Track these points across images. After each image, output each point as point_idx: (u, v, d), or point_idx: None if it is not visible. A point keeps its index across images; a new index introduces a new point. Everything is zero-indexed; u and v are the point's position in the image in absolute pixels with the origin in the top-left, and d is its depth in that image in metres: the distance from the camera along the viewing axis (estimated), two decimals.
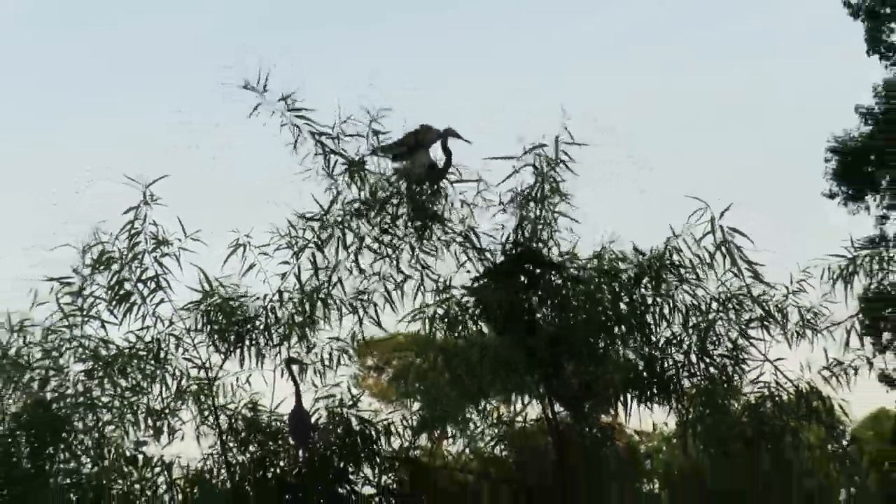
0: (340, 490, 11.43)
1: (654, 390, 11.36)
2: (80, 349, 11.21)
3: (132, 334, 11.29)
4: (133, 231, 11.20)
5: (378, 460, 11.53)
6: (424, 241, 11.46)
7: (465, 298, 11.55)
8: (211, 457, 11.35)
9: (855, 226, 26.36)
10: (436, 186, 11.39)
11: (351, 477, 11.52)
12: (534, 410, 11.92)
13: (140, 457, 11.12)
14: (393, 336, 12.66)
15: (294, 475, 11.38)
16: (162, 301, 11.32)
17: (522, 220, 11.48)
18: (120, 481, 11.04)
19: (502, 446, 12.27)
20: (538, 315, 11.53)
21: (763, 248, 10.96)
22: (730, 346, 11.31)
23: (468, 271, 11.53)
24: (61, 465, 10.97)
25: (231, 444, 11.39)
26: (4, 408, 11.09)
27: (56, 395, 11.12)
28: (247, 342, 11.34)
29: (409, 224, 11.43)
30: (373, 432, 11.58)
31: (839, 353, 11.22)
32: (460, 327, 11.64)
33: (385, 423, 11.72)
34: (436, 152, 11.34)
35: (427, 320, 11.60)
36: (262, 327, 11.34)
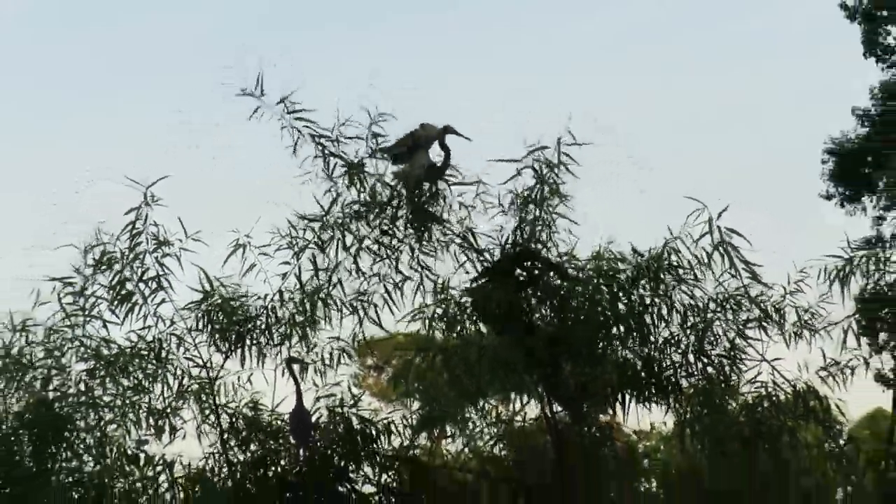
0: (341, 489, 11.48)
1: (652, 390, 11.40)
2: (82, 348, 11.27)
3: (134, 334, 11.36)
4: (134, 231, 11.23)
5: (378, 459, 11.59)
6: (424, 242, 11.50)
7: (464, 298, 11.59)
8: (212, 455, 11.40)
9: (852, 227, 26.43)
10: (435, 187, 11.42)
11: (351, 476, 11.58)
12: (532, 410, 11.99)
13: (142, 455, 11.20)
14: (393, 336, 12.69)
15: (295, 474, 11.44)
16: (163, 301, 11.38)
17: (522, 221, 11.51)
18: (122, 480, 11.10)
19: (501, 445, 12.31)
20: (536, 315, 11.57)
21: (762, 249, 11.01)
22: (727, 346, 11.34)
23: (467, 272, 11.59)
24: (63, 464, 11.02)
25: (232, 443, 11.45)
26: (7, 407, 11.16)
27: (58, 394, 11.18)
28: (248, 342, 11.37)
29: (409, 225, 11.47)
30: (373, 431, 11.64)
31: (836, 354, 11.28)
32: (458, 327, 11.68)
33: (385, 422, 11.78)
34: (435, 151, 11.36)
35: (426, 320, 11.65)
36: (262, 327, 11.37)
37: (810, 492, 11.49)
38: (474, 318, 11.65)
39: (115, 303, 11.30)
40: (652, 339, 11.40)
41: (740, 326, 11.32)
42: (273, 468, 11.53)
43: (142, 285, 11.31)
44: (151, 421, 11.25)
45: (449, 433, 12.30)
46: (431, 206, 11.50)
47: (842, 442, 11.71)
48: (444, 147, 11.28)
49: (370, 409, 11.98)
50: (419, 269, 11.55)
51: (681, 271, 11.22)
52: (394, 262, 11.51)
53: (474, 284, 11.51)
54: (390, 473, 11.75)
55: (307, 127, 11.22)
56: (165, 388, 11.35)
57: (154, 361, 11.33)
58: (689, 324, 11.36)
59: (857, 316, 11.28)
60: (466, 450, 12.36)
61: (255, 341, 11.39)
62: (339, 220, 11.35)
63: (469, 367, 11.48)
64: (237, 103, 11.09)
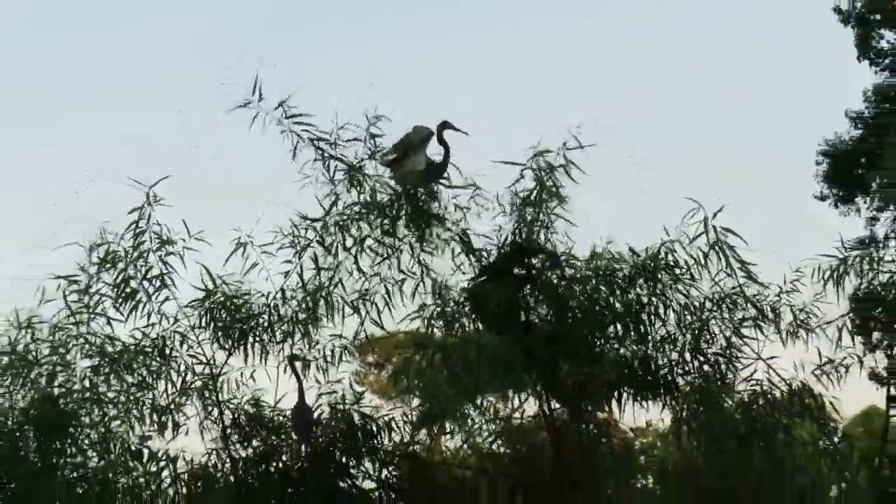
0: (342, 484, 11.57)
1: (649, 388, 11.51)
2: (87, 346, 11.33)
3: (138, 331, 11.43)
4: (138, 230, 11.31)
5: (379, 455, 11.68)
6: (424, 242, 11.60)
7: (462, 297, 11.69)
8: (215, 451, 11.48)
9: (846, 227, 26.55)
10: (435, 184, 11.51)
11: (352, 471, 11.67)
12: (530, 407, 12.06)
13: (145, 451, 11.23)
14: (393, 334, 12.79)
15: (297, 469, 11.53)
16: (167, 299, 11.45)
17: (520, 221, 11.61)
18: (125, 476, 11.15)
19: (500, 442, 12.39)
20: (534, 314, 11.66)
21: (761, 248, 11.09)
22: (724, 344, 11.44)
23: (464, 273, 11.69)
24: (68, 460, 11.08)
25: (235, 439, 11.54)
26: (13, 403, 11.23)
27: (63, 390, 11.23)
28: (250, 339, 11.47)
29: (409, 225, 11.56)
30: (373, 428, 11.72)
31: (831, 352, 11.39)
32: (457, 325, 11.78)
33: (385, 418, 11.86)
34: (434, 148, 11.44)
35: (426, 319, 11.75)
36: (265, 324, 11.47)
37: (805, 489, 11.56)
38: (473, 316, 11.73)
39: (120, 300, 11.37)
40: (649, 337, 11.49)
41: (736, 325, 11.40)
42: (275, 464, 11.61)
43: (146, 283, 11.38)
44: (155, 417, 11.30)
45: (448, 430, 12.37)
46: (430, 205, 11.59)
47: (836, 439, 11.79)
48: (442, 143, 11.34)
49: (371, 406, 12.08)
50: (419, 268, 11.64)
51: (677, 271, 11.31)
52: (395, 262, 11.59)
53: (472, 284, 11.59)
54: (390, 469, 11.84)
55: (306, 131, 11.33)
56: (169, 385, 11.43)
57: (158, 358, 11.40)
58: (685, 322, 11.45)
59: (851, 315, 11.39)
60: (465, 446, 12.43)
61: (257, 338, 11.48)
62: (340, 221, 11.44)
63: (468, 364, 11.54)
64: (237, 104, 11.23)
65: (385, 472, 11.79)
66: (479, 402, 12.23)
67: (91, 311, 11.37)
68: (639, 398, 11.55)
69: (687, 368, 11.52)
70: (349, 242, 11.44)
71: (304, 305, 11.44)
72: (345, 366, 11.84)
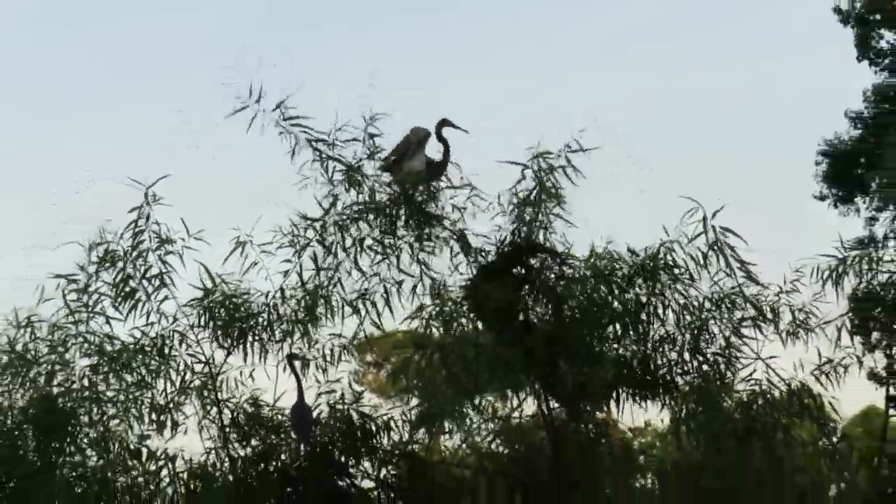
0: (340, 483, 11.58)
1: (648, 388, 11.52)
2: (86, 345, 11.34)
3: (137, 330, 11.43)
4: (137, 230, 11.30)
5: (378, 454, 11.69)
6: (422, 242, 11.60)
7: (461, 297, 11.69)
8: (214, 450, 11.48)
9: (845, 227, 26.56)
10: (437, 182, 11.51)
11: (351, 471, 11.68)
12: (529, 406, 12.08)
13: (144, 450, 11.24)
14: (392, 334, 12.80)
15: (295, 468, 11.53)
16: (166, 298, 11.45)
17: (519, 221, 11.61)
18: (124, 475, 11.15)
19: (498, 441, 12.40)
20: (533, 313, 11.67)
21: (762, 249, 11.10)
22: (723, 344, 11.45)
23: (461, 273, 11.69)
24: (67, 459, 11.07)
25: (234, 438, 11.54)
26: (12, 402, 11.23)
27: (62, 389, 11.24)
28: (250, 338, 11.47)
29: (407, 225, 11.56)
30: (372, 427, 11.74)
31: (830, 352, 11.40)
32: (455, 324, 11.79)
33: (384, 418, 11.88)
34: (434, 146, 11.43)
35: (425, 319, 11.76)
36: (264, 323, 11.47)
37: (804, 489, 11.57)
38: (471, 316, 11.74)
39: (119, 299, 11.37)
40: (648, 337, 11.50)
41: (735, 325, 11.41)
42: (274, 463, 11.62)
43: (145, 282, 11.38)
44: (154, 416, 11.32)
45: (447, 429, 12.37)
46: (429, 205, 11.59)
47: (835, 439, 11.83)
48: (442, 140, 11.34)
49: (370, 406, 12.09)
50: (419, 268, 11.64)
51: (676, 271, 11.32)
52: (394, 262, 11.60)
53: (471, 283, 11.60)
54: (389, 468, 11.85)
55: (304, 132, 11.34)
56: (168, 384, 11.44)
57: (157, 357, 11.40)
58: (684, 322, 11.45)
59: (850, 315, 11.40)
60: (464, 446, 12.44)
61: (256, 337, 11.48)
62: (339, 221, 11.44)
63: (466, 364, 11.55)
64: (237, 104, 11.24)
65: (384, 471, 11.82)
66: (477, 401, 12.21)
67: (90, 310, 11.37)
68: (638, 398, 11.56)
69: (686, 368, 11.53)
70: (348, 242, 11.43)
71: (303, 305, 11.44)
72: (344, 365, 11.88)
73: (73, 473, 11.08)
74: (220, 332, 11.50)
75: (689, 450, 11.71)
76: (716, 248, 11.10)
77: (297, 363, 11.37)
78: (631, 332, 11.47)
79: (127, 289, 11.37)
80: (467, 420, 12.26)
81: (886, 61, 26.89)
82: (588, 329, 11.48)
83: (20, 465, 10.99)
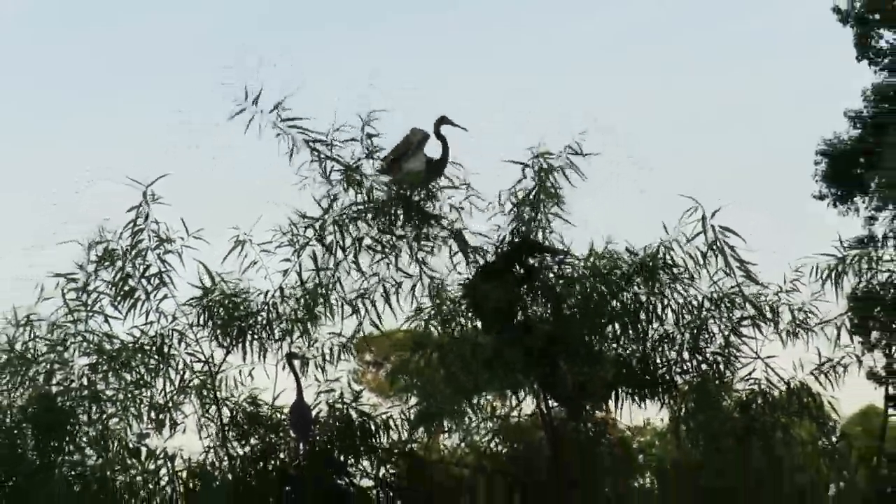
0: (339, 482, 11.57)
1: (648, 387, 11.53)
2: (85, 343, 11.35)
3: (136, 329, 11.44)
4: (136, 229, 11.31)
5: (379, 453, 11.69)
6: (421, 241, 11.60)
7: (460, 296, 11.69)
8: (213, 449, 11.48)
9: (845, 226, 26.55)
10: (436, 181, 11.51)
11: (350, 470, 11.68)
12: (528, 406, 12.07)
13: (143, 449, 11.25)
14: (391, 333, 12.80)
15: (294, 467, 11.52)
16: (165, 297, 11.45)
17: (518, 221, 11.62)
18: (123, 473, 11.17)
19: (497, 440, 12.39)
20: (532, 313, 11.67)
21: (762, 249, 11.11)
22: (722, 343, 11.46)
23: (460, 273, 11.69)
24: (66, 457, 11.09)
25: (232, 437, 11.54)
26: (11, 401, 11.24)
27: (61, 388, 11.26)
28: (249, 337, 11.47)
29: (405, 225, 11.57)
30: (371, 426, 11.73)
31: (829, 351, 11.41)
32: (453, 323, 11.79)
33: (383, 417, 11.87)
34: (432, 147, 11.43)
35: (423, 318, 11.76)
36: (264, 322, 11.46)
37: (804, 488, 11.58)
38: (470, 315, 11.74)
39: (118, 298, 11.38)
40: (647, 336, 11.51)
41: (734, 324, 11.42)
42: (273, 462, 11.61)
43: (144, 281, 11.38)
44: (153, 415, 11.33)
45: (446, 428, 12.37)
46: (427, 205, 11.60)
47: (834, 439, 11.82)
48: (440, 138, 11.34)
49: (369, 405, 12.07)
50: (418, 267, 11.64)
51: (675, 270, 11.32)
52: (393, 261, 11.59)
53: (470, 282, 11.59)
54: (388, 467, 11.85)
55: (302, 133, 11.35)
56: (167, 383, 11.45)
57: (156, 356, 11.41)
58: (683, 322, 11.46)
59: (849, 314, 11.41)
60: (463, 445, 12.44)
61: (256, 336, 11.48)
62: (338, 220, 11.43)
63: (465, 363, 11.56)
64: (235, 110, 11.28)
65: (383, 470, 11.81)
66: (476, 400, 12.20)
67: (89, 309, 11.38)
68: (637, 397, 11.56)
69: (685, 367, 11.54)
70: (347, 241, 11.43)
71: (302, 304, 11.43)
72: (343, 364, 11.87)
73: (73, 472, 11.11)
74: (219, 331, 11.49)
75: (688, 449, 11.73)
76: (715, 247, 11.10)
77: (297, 362, 11.37)
78: (630, 332, 11.47)
79: (126, 288, 11.37)
80: (466, 419, 12.23)
81: (886, 61, 26.89)
82: (587, 328, 11.47)
83: (19, 464, 11.01)
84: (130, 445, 11.26)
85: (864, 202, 27.06)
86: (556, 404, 11.81)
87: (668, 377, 11.55)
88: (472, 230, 11.68)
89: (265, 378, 11.60)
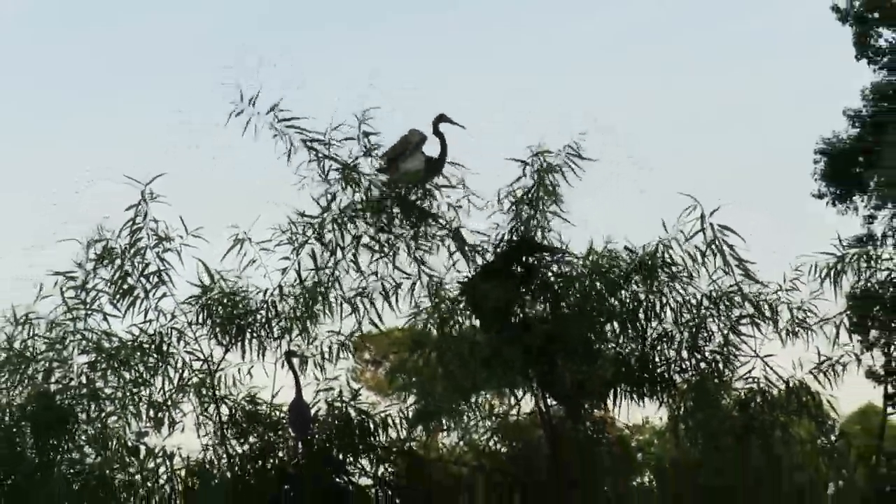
0: (338, 480, 11.57)
1: (646, 386, 11.53)
2: (84, 342, 11.36)
3: (135, 327, 11.44)
4: (134, 227, 11.32)
5: (378, 452, 11.68)
6: (419, 240, 11.60)
7: (459, 295, 11.70)
8: (212, 447, 11.49)
9: (844, 225, 26.54)
10: (433, 179, 11.50)
11: (349, 468, 11.67)
12: (527, 404, 12.07)
13: (142, 447, 11.26)
14: (390, 331, 12.81)
15: (293, 466, 11.52)
16: (164, 295, 11.46)
17: (517, 220, 11.61)
18: (122, 472, 11.19)
19: (496, 439, 12.39)
20: (531, 311, 11.67)
21: (762, 249, 11.13)
22: (721, 342, 11.45)
23: (459, 271, 11.69)
24: (65, 456, 11.11)
25: (231, 435, 11.54)
26: (10, 399, 11.24)
27: (60, 386, 11.27)
28: (248, 335, 11.47)
29: (404, 223, 11.56)
30: (370, 425, 11.73)
31: (828, 350, 11.40)
32: (451, 322, 11.78)
33: (382, 415, 11.86)
34: (430, 146, 11.43)
35: (422, 317, 11.76)
36: (263, 320, 11.47)
37: (803, 487, 11.58)
38: (469, 313, 11.75)
39: (117, 297, 11.39)
40: (646, 335, 11.50)
41: (733, 323, 11.42)
42: (272, 460, 11.62)
43: (143, 280, 11.39)
44: (152, 413, 11.34)
45: (444, 427, 12.37)
46: (424, 204, 11.60)
47: (833, 437, 11.81)
48: (438, 135, 11.33)
49: (368, 403, 12.08)
50: (416, 266, 11.64)
51: (674, 268, 11.32)
52: (391, 260, 11.59)
53: (470, 281, 11.59)
54: (387, 466, 11.85)
55: (299, 133, 11.37)
56: (166, 382, 11.44)
57: (155, 355, 11.41)
58: (682, 320, 11.46)
59: (848, 313, 11.41)
60: (462, 443, 12.45)
61: (255, 334, 11.49)
62: (337, 219, 11.43)
63: (464, 362, 11.56)
64: (233, 108, 11.29)
65: (381, 468, 11.81)
66: (475, 399, 12.20)
67: (88, 307, 11.38)
68: (635, 396, 11.55)
69: (684, 366, 11.53)
70: (346, 240, 11.43)
71: (301, 302, 11.42)
72: (342, 363, 11.85)
73: (72, 470, 11.12)
74: (218, 330, 11.50)
75: (686, 448, 11.73)
76: (714, 246, 11.09)
77: (295, 360, 11.38)
78: (629, 330, 11.47)
79: (125, 286, 11.39)
80: (465, 418, 12.23)
81: (885, 59, 26.88)
82: (586, 327, 11.46)
83: (19, 463, 11.02)
84: (129, 444, 11.27)
85: (863, 201, 27.07)
86: (554, 403, 11.79)
87: (666, 376, 11.54)
88: (471, 228, 11.72)
89: (264, 376, 11.63)
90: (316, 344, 11.63)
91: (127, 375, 11.33)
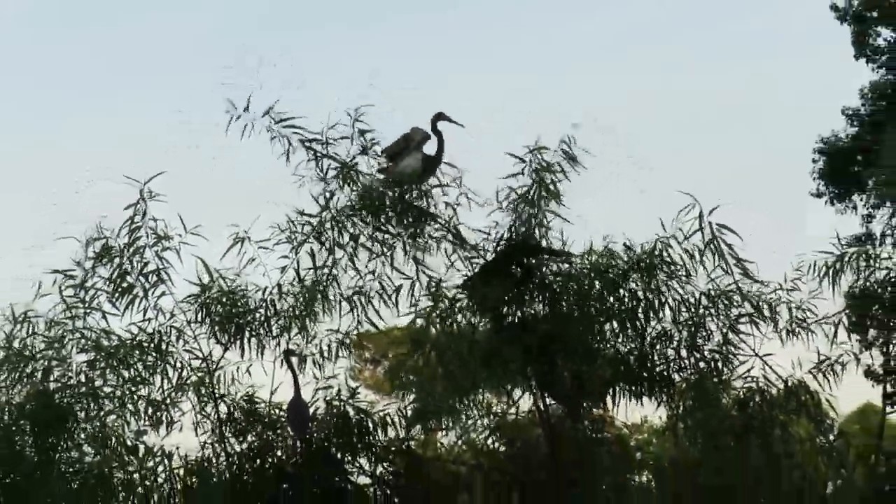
0: (337, 479, 11.57)
1: (645, 385, 11.53)
2: (83, 340, 11.36)
3: (134, 326, 11.44)
4: (133, 226, 11.32)
5: (376, 450, 11.68)
6: (417, 239, 11.60)
7: (457, 295, 11.69)
8: (210, 446, 11.48)
9: (843, 224, 26.51)
10: (429, 177, 11.50)
11: (347, 467, 11.67)
12: (525, 403, 12.10)
13: (141, 446, 11.26)
14: (389, 330, 12.80)
15: (292, 465, 11.52)
16: (163, 294, 11.47)
17: (516, 218, 11.61)
18: (121, 471, 11.18)
19: (494, 438, 12.40)
20: (530, 311, 11.67)
21: (763, 249, 11.14)
22: (720, 341, 11.46)
23: (458, 270, 11.69)
24: (64, 454, 11.11)
25: (230, 434, 11.53)
26: (9, 398, 11.23)
27: (59, 385, 11.26)
28: (247, 333, 11.48)
29: (402, 222, 11.56)
30: (369, 423, 11.73)
31: (827, 349, 11.41)
32: (449, 321, 11.78)
33: (380, 414, 11.86)
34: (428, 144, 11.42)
35: (421, 316, 11.76)
36: (262, 319, 11.48)
37: (802, 486, 11.59)
38: (467, 313, 11.75)
39: (116, 295, 11.39)
40: (645, 334, 11.52)
41: (732, 322, 11.42)
42: (270, 459, 11.62)
43: (142, 278, 11.39)
44: (150, 412, 11.33)
45: (443, 426, 12.37)
46: (422, 202, 11.60)
47: (832, 437, 11.83)
48: (436, 133, 11.32)
49: (366, 402, 12.08)
50: (414, 266, 11.64)
51: (673, 267, 11.32)
52: (388, 259, 11.59)
53: (468, 281, 11.59)
54: (385, 465, 11.85)
55: (296, 133, 11.37)
56: (165, 380, 11.43)
57: (154, 353, 11.41)
58: (681, 319, 11.47)
59: (847, 312, 11.41)
60: (460, 442, 12.45)
61: (254, 333, 11.49)
62: (335, 217, 11.43)
63: (462, 361, 11.56)
64: (237, 104, 11.31)
65: (380, 467, 11.80)
66: (473, 398, 12.20)
67: (87, 305, 11.38)
68: (634, 395, 11.56)
69: (683, 365, 11.54)
70: (345, 238, 11.43)
71: (300, 300, 11.42)
72: (341, 361, 11.85)
73: (71, 469, 11.12)
74: (217, 328, 11.50)
75: (686, 447, 11.74)
76: (712, 245, 11.10)
77: (294, 359, 11.37)
78: (628, 329, 11.47)
79: (124, 284, 11.39)
80: (463, 416, 12.24)
81: (883, 58, 26.87)
82: (585, 326, 11.46)
83: (18, 462, 11.01)
84: (128, 442, 11.28)
85: (861, 200, 27.05)
86: (553, 402, 11.79)
87: (665, 375, 11.55)
88: (471, 226, 11.70)
89: (263, 375, 11.63)
90: (315, 342, 11.65)
91: (126, 374, 11.33)
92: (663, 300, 11.45)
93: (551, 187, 11.57)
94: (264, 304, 11.48)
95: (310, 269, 11.43)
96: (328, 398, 11.70)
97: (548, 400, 11.79)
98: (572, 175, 11.55)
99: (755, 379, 11.41)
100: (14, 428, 11.16)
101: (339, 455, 11.71)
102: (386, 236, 11.57)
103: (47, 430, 11.05)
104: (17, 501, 10.94)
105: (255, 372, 11.63)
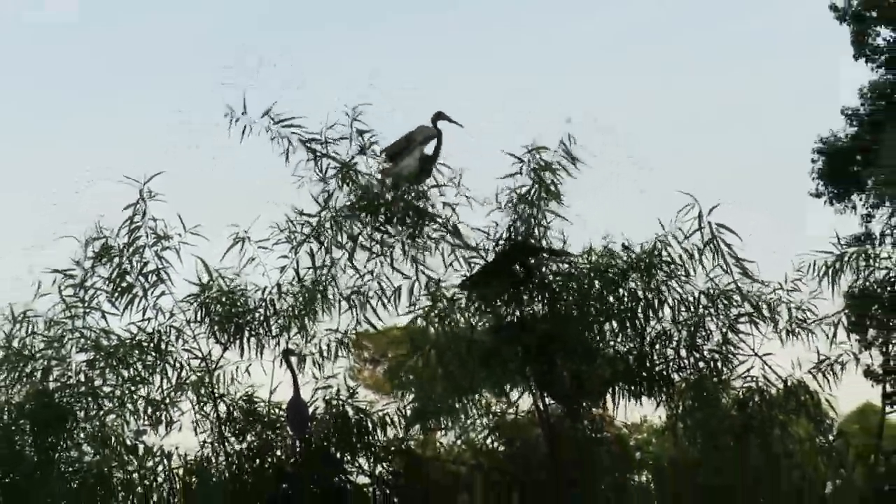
0: (336, 479, 11.57)
1: (645, 384, 11.53)
2: (83, 340, 11.35)
3: (133, 325, 11.44)
4: (133, 226, 11.32)
5: (375, 450, 11.68)
6: (416, 239, 11.60)
7: (456, 294, 11.70)
8: (210, 446, 11.48)
9: (842, 224, 26.52)
10: (427, 176, 11.50)
11: (346, 467, 11.67)
12: (525, 403, 12.10)
13: (140, 446, 11.26)
14: (388, 330, 12.80)
15: (291, 464, 11.52)
16: (163, 293, 11.48)
17: (516, 218, 11.61)
18: (120, 470, 11.18)
19: (493, 437, 12.40)
20: (529, 310, 11.67)
21: (763, 249, 11.14)
22: (719, 340, 11.46)
23: (456, 269, 11.69)
24: (64, 454, 11.10)
25: (229, 434, 11.53)
26: (9, 397, 11.23)
27: (59, 384, 11.25)
28: (246, 333, 11.49)
29: (401, 222, 11.57)
30: (368, 423, 11.73)
31: (827, 349, 11.40)
32: (449, 321, 11.78)
33: (380, 414, 11.86)
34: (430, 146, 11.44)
35: (420, 316, 11.77)
36: (261, 318, 11.49)
37: (801, 486, 11.58)
38: (466, 313, 11.75)
39: (115, 295, 11.40)
40: (645, 334, 11.52)
41: (732, 322, 11.42)
42: (270, 459, 11.61)
43: (141, 278, 11.39)
44: (150, 412, 11.32)
45: (442, 425, 12.37)
46: (420, 201, 11.60)
47: (832, 436, 11.83)
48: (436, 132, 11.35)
49: (366, 402, 12.08)
50: (413, 265, 11.64)
51: (672, 266, 11.33)
52: (388, 259, 11.59)
53: (469, 281, 11.59)
54: (384, 464, 11.85)
55: (295, 133, 11.38)
56: (164, 380, 11.43)
57: (153, 353, 11.41)
58: (680, 319, 11.47)
59: (846, 311, 11.41)
60: (459, 442, 12.45)
61: (253, 332, 11.50)
62: (335, 216, 11.43)
63: (462, 361, 11.56)
64: (237, 104, 11.33)
65: (379, 467, 11.80)
66: (473, 397, 12.20)
67: (87, 305, 11.38)
68: (634, 395, 11.56)
69: (682, 365, 11.53)
70: (344, 238, 11.43)
71: (299, 300, 11.43)
72: (340, 361, 11.85)
73: (70, 469, 11.12)
74: (216, 328, 11.51)
75: (685, 446, 11.74)
76: (712, 244, 11.10)
77: (293, 359, 11.38)
78: (628, 329, 11.47)
79: (123, 284, 11.39)
80: (462, 416, 12.24)
81: (882, 58, 26.88)
82: (585, 326, 11.47)
83: (18, 461, 11.01)
84: (128, 442, 11.27)
85: (861, 200, 27.06)
86: (552, 401, 11.79)
87: (665, 374, 11.54)
88: (470, 226, 11.69)
89: (262, 375, 11.63)
90: (314, 342, 11.67)
91: (125, 374, 11.33)
92: (663, 300, 11.44)
93: (551, 187, 11.56)
94: (264, 304, 11.49)
95: (309, 268, 11.43)
96: (327, 398, 11.71)
97: (547, 400, 11.78)
98: (572, 175, 11.54)
99: (755, 379, 11.42)
100: (14, 428, 11.17)
101: (338, 455, 11.70)
102: (383, 236, 11.55)
103: (47, 430, 11.05)
104: (17, 501, 10.94)
105: (255, 371, 11.66)
